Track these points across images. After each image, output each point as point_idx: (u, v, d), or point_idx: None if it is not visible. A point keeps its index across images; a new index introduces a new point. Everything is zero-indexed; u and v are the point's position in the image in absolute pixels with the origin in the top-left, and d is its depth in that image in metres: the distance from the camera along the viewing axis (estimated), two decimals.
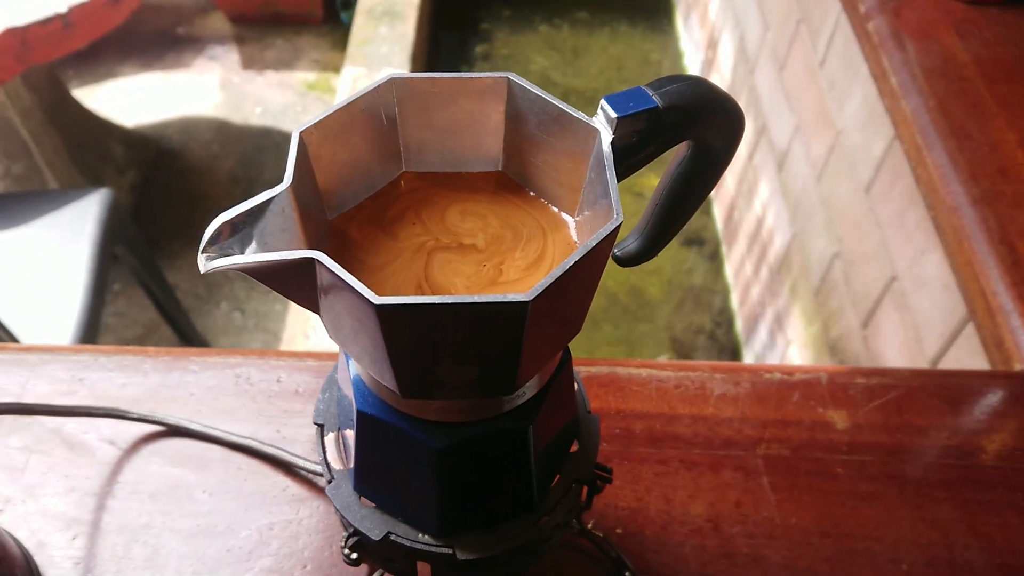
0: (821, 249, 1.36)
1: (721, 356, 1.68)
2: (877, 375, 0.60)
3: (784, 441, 0.57)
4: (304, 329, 1.51)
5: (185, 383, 0.57)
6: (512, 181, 0.37)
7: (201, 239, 0.28)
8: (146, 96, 2.19)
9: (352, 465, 0.38)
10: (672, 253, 1.87)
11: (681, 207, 0.37)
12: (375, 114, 0.34)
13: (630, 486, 0.54)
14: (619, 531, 0.52)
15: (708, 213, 1.91)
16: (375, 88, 0.33)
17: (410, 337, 0.29)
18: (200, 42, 2.37)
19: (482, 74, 0.34)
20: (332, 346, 1.49)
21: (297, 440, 0.55)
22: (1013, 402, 0.60)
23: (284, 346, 1.56)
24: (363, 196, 0.36)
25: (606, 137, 0.32)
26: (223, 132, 2.13)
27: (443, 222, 0.35)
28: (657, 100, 0.32)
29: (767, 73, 1.61)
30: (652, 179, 1.89)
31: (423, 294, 0.32)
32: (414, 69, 1.96)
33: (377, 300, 0.26)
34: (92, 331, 1.24)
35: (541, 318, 0.29)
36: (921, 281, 0.93)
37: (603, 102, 0.32)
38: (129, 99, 2.18)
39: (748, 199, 1.71)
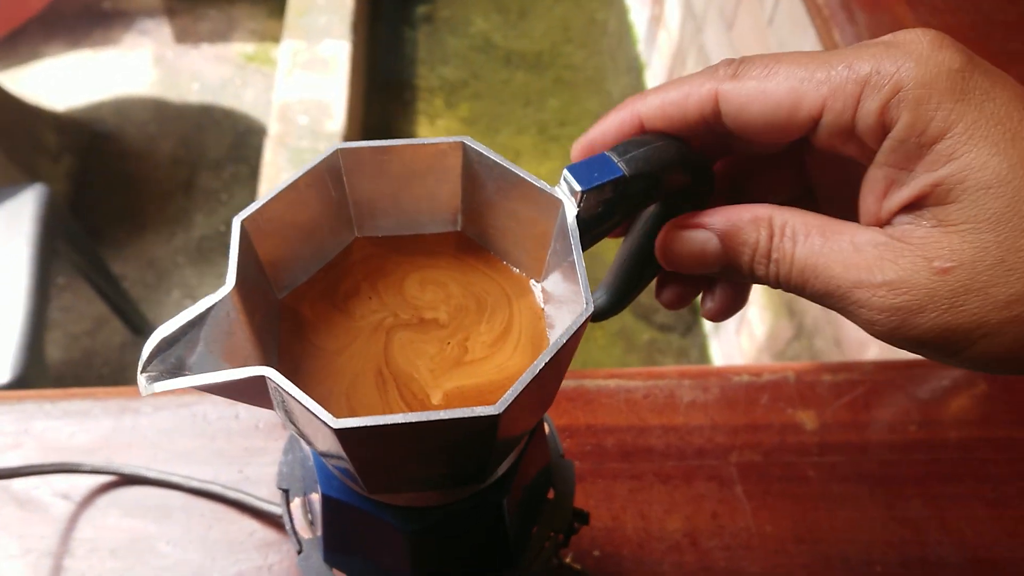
0: None
1: (687, 326, 1.69)
2: (844, 371, 0.60)
3: (756, 447, 0.56)
4: None
5: (139, 427, 0.55)
6: (472, 242, 0.35)
7: (143, 352, 0.26)
8: (75, 77, 2.10)
9: (320, 534, 0.37)
10: None
11: (649, 263, 0.35)
12: (322, 186, 0.31)
13: (605, 505, 0.53)
14: (596, 553, 0.52)
15: None
16: (321, 161, 0.31)
17: (374, 451, 0.27)
18: (129, 16, 2.27)
19: (434, 140, 0.31)
20: None
21: (261, 480, 0.53)
22: (974, 391, 0.60)
23: None
24: (314, 268, 0.33)
25: (570, 210, 0.29)
26: (160, 112, 2.05)
27: (401, 294, 0.33)
28: (623, 168, 0.30)
29: (715, 32, 1.59)
30: None
31: (383, 382, 0.30)
32: (355, 39, 1.90)
33: (335, 424, 0.24)
34: (37, 335, 1.20)
35: (512, 416, 0.27)
36: None
37: (566, 173, 0.30)
38: (57, 81, 2.08)
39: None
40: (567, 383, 0.58)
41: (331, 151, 0.31)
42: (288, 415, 0.28)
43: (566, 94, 2.05)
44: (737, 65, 0.29)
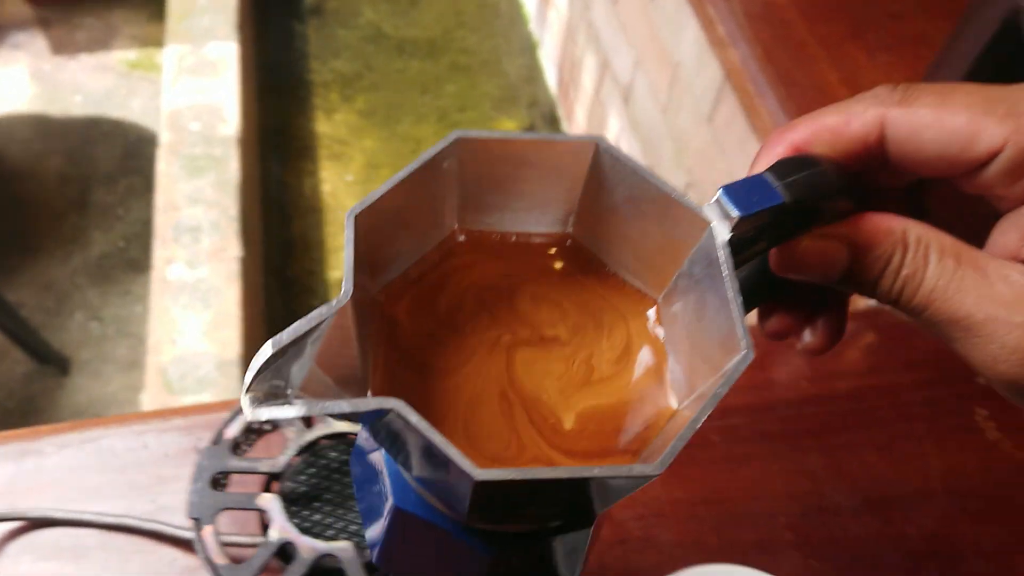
0: (674, 180, 1.40)
1: None
2: None
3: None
4: (170, 334, 1.45)
5: (44, 468, 0.54)
6: (581, 249, 0.31)
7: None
8: None
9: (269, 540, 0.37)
10: None
11: (756, 291, 0.31)
12: (434, 177, 0.29)
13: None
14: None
15: None
16: (439, 151, 0.28)
17: (504, 499, 0.25)
18: None
19: (566, 138, 0.29)
20: (199, 388, 1.42)
21: (177, 508, 0.52)
22: (857, 341, 0.64)
23: (151, 353, 1.49)
24: (408, 263, 0.30)
25: (721, 234, 0.27)
26: (43, 128, 1.97)
27: (514, 311, 0.30)
28: (783, 194, 0.27)
29: (602, 7, 1.61)
30: None
31: (509, 405, 0.28)
32: (242, 38, 1.86)
33: (479, 476, 0.22)
34: None
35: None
36: None
37: (721, 195, 0.27)
38: None
39: (600, 133, 1.73)
40: None
41: (451, 140, 0.28)
42: (395, 442, 0.25)
43: (463, 79, 2.05)
44: (904, 91, 0.28)
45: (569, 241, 0.32)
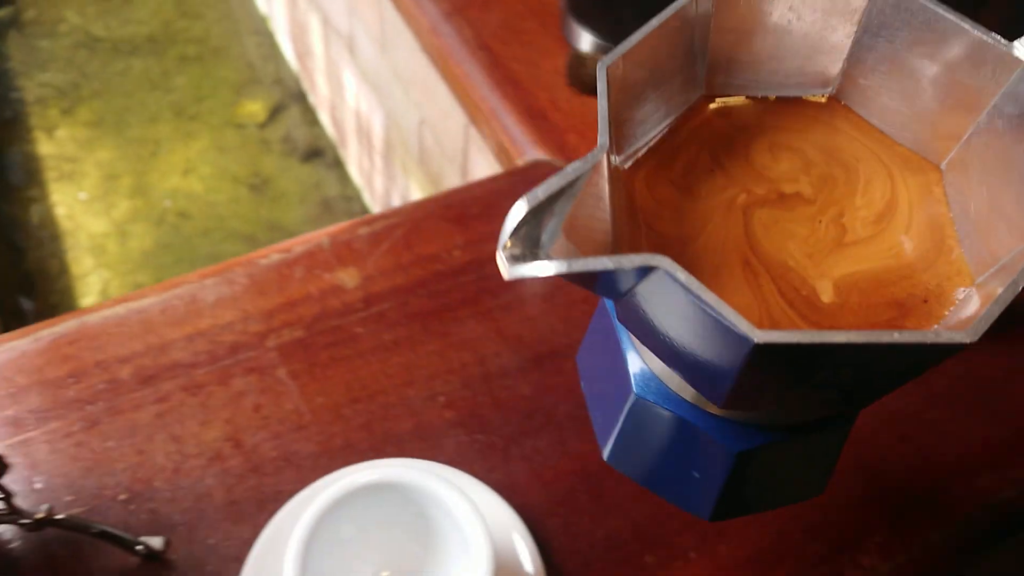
0: (409, 120, 1.34)
1: None
2: (381, 219, 0.56)
3: (296, 323, 0.51)
4: None
5: None
6: (849, 112, 0.28)
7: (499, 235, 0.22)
8: None
9: None
10: (295, 173, 1.77)
11: None
12: (685, 30, 0.26)
13: (128, 441, 0.46)
14: (123, 497, 0.44)
15: (316, 123, 1.83)
16: (685, 6, 0.26)
17: (775, 374, 0.23)
18: None
19: None
20: None
21: None
22: (513, 198, 0.58)
23: None
24: (652, 132, 0.28)
25: None
26: None
27: (749, 164, 0.27)
28: None
29: None
30: None
31: (754, 274, 0.25)
32: None
33: (760, 338, 0.20)
34: None
35: None
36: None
37: None
38: None
39: (340, 94, 1.64)
40: (64, 327, 0.50)
41: None
42: (647, 316, 0.23)
43: (195, 69, 1.91)
44: None
45: (833, 105, 0.29)
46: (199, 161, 1.75)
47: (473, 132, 0.97)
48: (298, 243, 0.55)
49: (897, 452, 0.50)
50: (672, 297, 0.21)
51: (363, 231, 0.56)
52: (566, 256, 0.22)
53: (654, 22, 0.26)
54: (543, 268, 0.21)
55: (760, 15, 0.27)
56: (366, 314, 0.52)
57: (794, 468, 0.31)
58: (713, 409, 0.28)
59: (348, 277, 0.53)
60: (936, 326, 0.24)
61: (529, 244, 0.22)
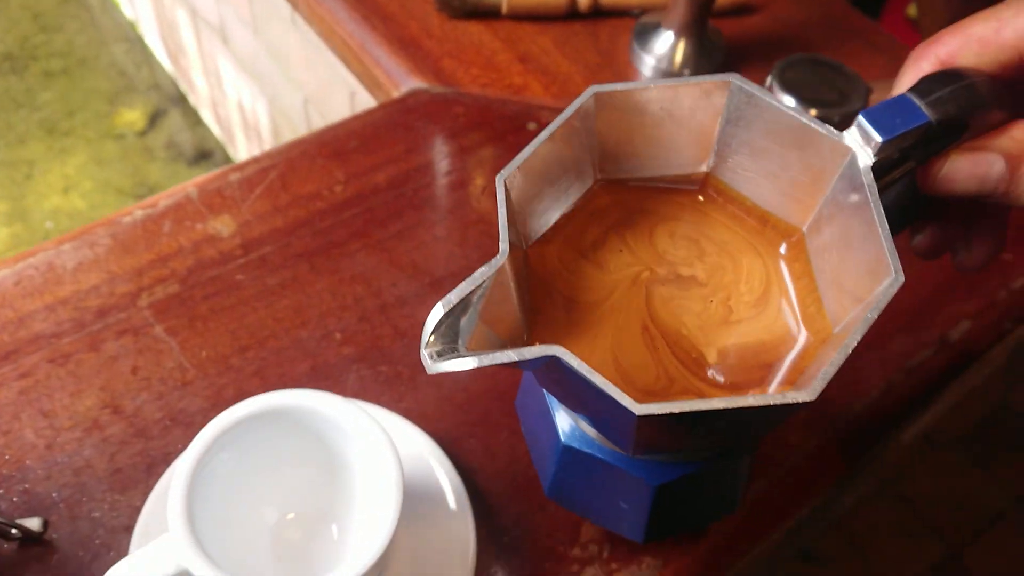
0: (292, 101, 1.29)
1: None
2: (252, 164, 0.53)
3: (168, 279, 0.47)
4: None
5: None
6: (720, 189, 0.32)
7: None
8: None
9: None
10: (183, 178, 1.70)
11: (905, 212, 0.32)
12: (573, 133, 0.30)
13: None
14: None
15: (200, 123, 1.75)
16: (576, 109, 0.29)
17: (664, 431, 0.27)
18: None
19: (698, 79, 0.29)
20: None
21: None
22: (393, 128, 0.56)
23: None
24: (557, 215, 0.32)
25: (863, 160, 0.27)
26: None
27: (652, 247, 0.32)
28: (928, 113, 0.27)
29: None
30: None
31: (651, 338, 0.29)
32: None
33: (639, 411, 0.24)
34: None
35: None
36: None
37: (861, 119, 0.27)
38: None
39: (220, 89, 1.57)
40: None
41: (587, 95, 0.30)
42: (559, 385, 0.27)
43: (62, 83, 1.81)
44: None
45: (709, 179, 0.32)
46: (79, 177, 1.66)
47: (360, 100, 0.93)
48: (163, 197, 0.51)
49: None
50: (571, 376, 0.25)
51: (234, 177, 0.52)
52: (484, 341, 0.26)
53: (545, 133, 0.29)
54: (462, 364, 0.24)
55: (637, 114, 0.31)
56: (245, 260, 0.48)
57: (710, 492, 0.36)
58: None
59: (222, 225, 0.49)
60: (799, 380, 0.27)
61: (449, 338, 0.25)
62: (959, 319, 0.50)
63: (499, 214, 0.27)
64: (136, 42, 1.87)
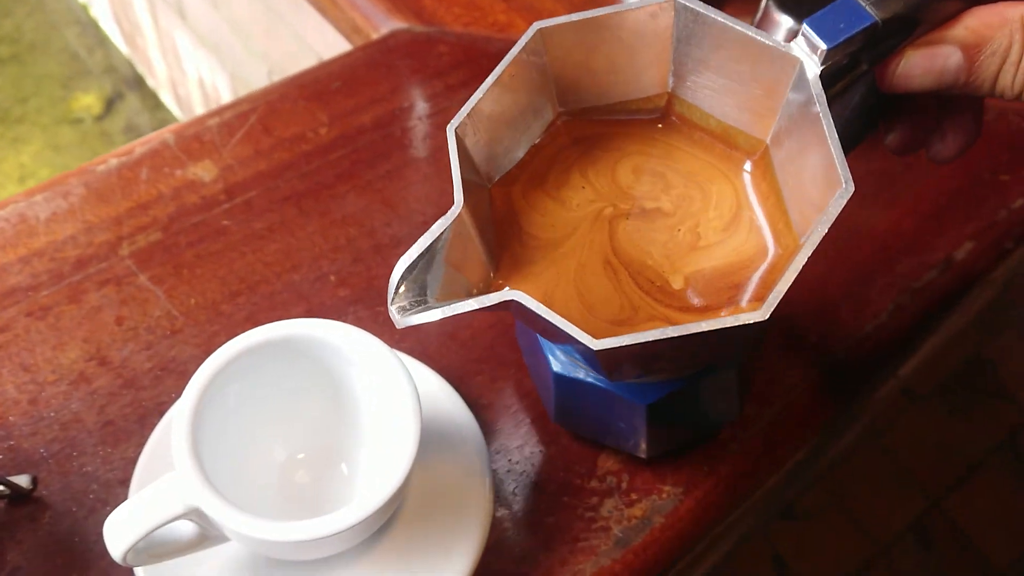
0: (257, 74, 1.25)
1: None
2: (230, 108, 0.50)
3: (150, 226, 0.45)
4: None
5: None
6: (684, 108, 0.32)
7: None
8: None
9: None
10: None
11: (869, 112, 0.32)
12: (525, 71, 0.30)
13: None
14: None
15: (160, 105, 1.71)
16: (522, 48, 0.29)
17: (629, 359, 0.28)
18: None
19: (641, 3, 0.29)
20: None
21: None
22: (375, 68, 0.53)
23: None
24: (520, 152, 0.32)
25: (811, 69, 0.27)
26: None
27: (615, 183, 0.32)
28: (874, 13, 0.26)
29: None
30: None
31: (612, 270, 0.30)
32: None
33: (597, 346, 0.24)
34: None
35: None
36: (323, 35, 0.86)
37: (806, 28, 0.26)
38: None
39: (179, 67, 1.53)
40: None
41: (531, 33, 0.29)
42: (531, 323, 0.28)
43: (12, 69, 1.75)
44: None
45: (672, 101, 0.32)
46: (35, 165, 1.61)
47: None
48: (138, 145, 0.48)
49: (815, 253, 0.48)
50: (534, 316, 0.25)
51: (212, 122, 0.49)
52: (453, 285, 0.27)
53: (492, 77, 0.28)
54: (428, 316, 0.26)
55: (587, 45, 0.30)
56: (230, 205, 0.46)
57: (704, 405, 0.36)
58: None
59: (203, 171, 0.47)
60: (768, 294, 0.27)
61: (416, 292, 0.26)
62: (962, 240, 0.49)
63: (452, 164, 0.27)
64: (89, 24, 1.81)
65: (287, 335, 0.32)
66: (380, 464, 0.33)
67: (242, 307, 0.42)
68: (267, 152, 0.48)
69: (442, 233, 0.26)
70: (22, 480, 0.36)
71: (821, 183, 0.27)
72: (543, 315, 0.25)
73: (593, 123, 0.33)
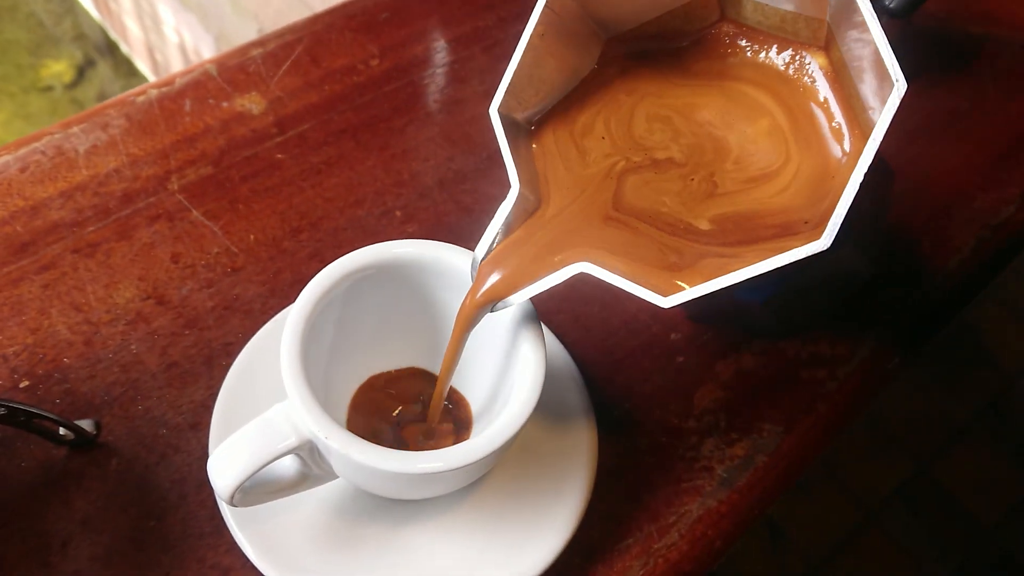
0: (247, 34, 1.21)
1: None
2: (274, 38, 0.47)
3: (200, 159, 0.42)
4: None
5: None
6: (736, 11, 0.29)
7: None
8: None
9: None
10: None
11: None
12: (556, 22, 0.28)
13: (14, 321, 0.36)
14: (24, 384, 0.34)
15: (135, 72, 1.64)
16: (542, 8, 0.27)
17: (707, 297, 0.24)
18: None
19: None
20: None
21: None
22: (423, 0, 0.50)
23: None
24: (571, 87, 0.30)
25: None
26: None
27: (630, 135, 0.30)
28: None
29: None
30: None
31: (620, 222, 0.28)
32: None
33: (666, 304, 0.24)
34: None
35: None
36: None
37: None
38: None
39: (158, 32, 1.47)
40: None
41: None
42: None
43: None
44: None
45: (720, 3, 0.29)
46: (5, 133, 1.54)
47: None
48: (179, 75, 0.45)
49: (893, 191, 0.47)
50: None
51: (255, 53, 0.46)
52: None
53: (522, 44, 0.27)
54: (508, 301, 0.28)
55: None
56: (283, 139, 0.43)
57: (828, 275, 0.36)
58: None
59: (251, 103, 0.44)
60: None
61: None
62: None
63: (502, 150, 0.27)
64: None
65: (401, 256, 0.30)
66: (494, 399, 0.31)
67: (305, 244, 0.39)
68: (317, 84, 0.45)
69: (509, 208, 0.27)
70: (85, 424, 0.33)
71: (876, 85, 0.25)
72: (613, 282, 0.25)
73: (637, 61, 0.31)
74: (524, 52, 0.27)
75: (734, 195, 0.28)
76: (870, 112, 0.26)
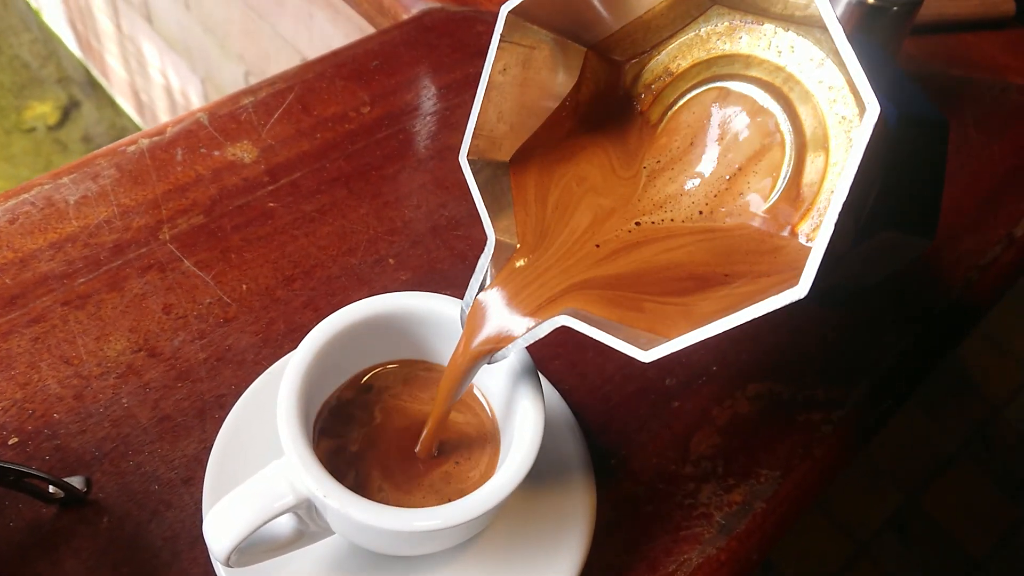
0: (233, 77, 1.21)
1: None
2: (265, 87, 0.47)
3: (191, 209, 0.41)
4: None
5: None
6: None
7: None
8: None
9: None
10: None
11: None
12: (518, 54, 0.28)
13: (3, 375, 0.35)
14: (12, 441, 0.33)
15: (120, 113, 1.64)
16: (498, 43, 0.27)
17: None
18: None
19: None
20: None
21: None
22: (413, 47, 0.51)
23: None
24: (552, 108, 0.29)
25: None
26: None
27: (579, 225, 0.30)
28: None
29: None
30: None
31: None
32: None
33: (648, 358, 0.24)
34: None
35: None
36: (307, 30, 0.83)
37: None
38: None
39: (143, 73, 1.48)
40: None
41: (502, 20, 0.26)
42: None
43: None
44: None
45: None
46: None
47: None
48: (170, 124, 0.45)
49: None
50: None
51: (246, 101, 0.46)
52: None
53: (481, 85, 0.27)
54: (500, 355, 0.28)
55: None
56: (275, 187, 0.43)
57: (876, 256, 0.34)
58: None
59: (243, 152, 0.44)
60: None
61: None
62: (1018, 217, 0.49)
63: (477, 204, 0.27)
64: (40, 31, 1.74)
65: (396, 308, 0.30)
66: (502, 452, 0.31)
67: (299, 292, 0.39)
68: (308, 132, 0.45)
69: (487, 262, 0.28)
70: (75, 482, 0.32)
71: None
72: (594, 336, 0.25)
73: (590, 132, 0.30)
74: (486, 92, 0.27)
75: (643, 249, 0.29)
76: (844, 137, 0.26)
